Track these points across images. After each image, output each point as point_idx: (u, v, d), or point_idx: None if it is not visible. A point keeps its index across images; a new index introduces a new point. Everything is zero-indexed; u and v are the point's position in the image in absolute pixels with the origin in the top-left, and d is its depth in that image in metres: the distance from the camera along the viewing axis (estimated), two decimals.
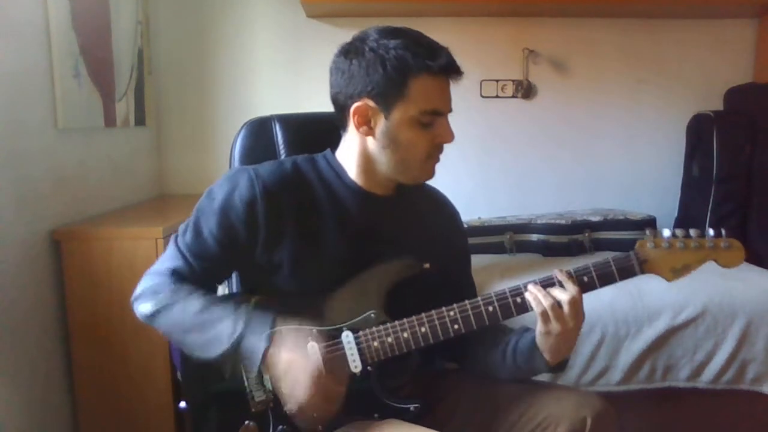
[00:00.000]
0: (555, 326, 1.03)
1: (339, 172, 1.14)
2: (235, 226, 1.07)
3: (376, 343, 1.07)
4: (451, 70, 1.05)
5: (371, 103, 1.05)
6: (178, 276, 1.09)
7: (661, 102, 2.44)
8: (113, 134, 2.07)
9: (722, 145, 2.15)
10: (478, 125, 2.42)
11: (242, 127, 1.42)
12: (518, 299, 1.06)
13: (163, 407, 1.74)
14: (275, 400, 1.07)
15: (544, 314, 1.03)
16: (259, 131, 1.41)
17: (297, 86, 2.39)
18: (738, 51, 2.41)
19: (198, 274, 1.09)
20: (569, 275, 1.05)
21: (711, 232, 1.05)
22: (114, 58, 2.02)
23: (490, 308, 1.07)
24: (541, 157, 2.47)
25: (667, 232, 1.06)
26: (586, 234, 2.05)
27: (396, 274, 1.10)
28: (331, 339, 1.07)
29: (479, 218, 2.15)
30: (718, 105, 2.37)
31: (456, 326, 1.07)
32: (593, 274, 1.06)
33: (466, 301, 1.07)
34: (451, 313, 1.07)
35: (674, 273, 1.06)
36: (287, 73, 2.40)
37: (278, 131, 1.40)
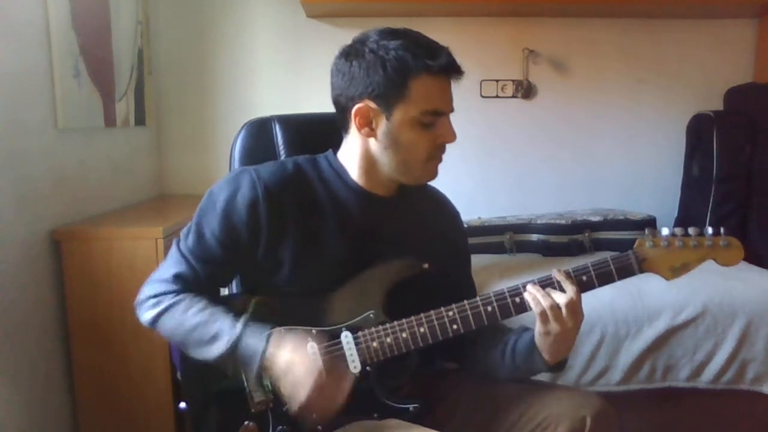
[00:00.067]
0: (554, 326, 1.03)
1: (340, 172, 1.14)
2: (237, 228, 1.07)
3: (375, 344, 1.07)
4: (451, 69, 1.05)
5: (372, 105, 1.05)
6: (181, 281, 1.09)
7: (661, 102, 2.44)
8: (113, 134, 2.07)
9: (722, 145, 2.15)
10: (478, 125, 2.42)
11: (242, 128, 1.42)
12: (517, 299, 1.06)
13: (163, 407, 1.74)
14: (275, 400, 1.07)
15: (543, 314, 1.03)
16: (259, 132, 1.41)
17: (297, 86, 2.39)
18: (738, 51, 2.41)
19: (201, 278, 1.09)
20: (568, 275, 1.05)
21: (710, 230, 1.05)
22: (114, 58, 2.02)
23: (489, 308, 1.07)
24: (541, 157, 2.47)
25: (665, 231, 1.06)
26: (586, 234, 2.05)
27: (396, 274, 1.10)
28: (331, 339, 1.08)
29: (479, 218, 2.15)
30: (718, 105, 2.36)
31: (455, 326, 1.07)
32: (592, 273, 1.06)
33: (465, 302, 1.07)
34: (450, 313, 1.07)
35: (673, 272, 1.06)
36: (287, 73, 2.40)
37: (278, 132, 1.40)
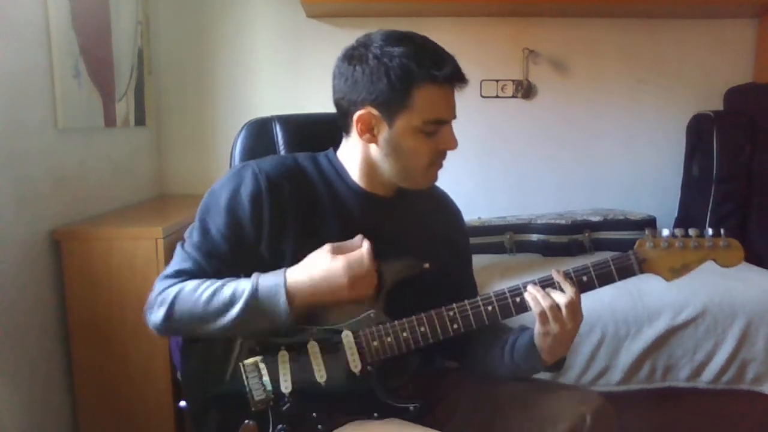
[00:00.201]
0: (553, 327, 1.03)
1: (341, 172, 1.14)
2: (242, 222, 1.07)
3: (375, 343, 1.07)
4: (456, 78, 1.05)
5: (374, 112, 1.05)
6: (185, 275, 1.08)
7: (661, 102, 2.44)
8: (113, 134, 2.07)
9: (722, 145, 2.15)
10: (478, 125, 2.42)
11: (243, 128, 1.42)
12: (517, 299, 1.06)
13: (163, 407, 1.74)
14: (275, 399, 1.07)
15: (543, 315, 1.03)
16: (260, 132, 1.41)
17: (297, 86, 2.39)
18: (738, 51, 2.41)
19: (208, 275, 1.08)
20: (567, 276, 1.05)
21: (710, 231, 1.05)
22: (114, 58, 2.02)
23: (490, 308, 1.07)
24: (541, 157, 2.47)
25: (666, 232, 1.06)
26: (586, 234, 2.05)
27: (396, 274, 1.10)
28: (331, 338, 1.07)
29: (479, 218, 2.15)
30: (718, 105, 2.36)
31: (455, 326, 1.07)
32: (592, 273, 1.06)
33: (466, 301, 1.07)
34: (451, 312, 1.07)
35: (673, 273, 1.06)
36: (287, 73, 2.40)
37: (278, 132, 1.41)
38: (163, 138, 2.44)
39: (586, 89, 2.44)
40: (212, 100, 2.41)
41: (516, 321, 1.13)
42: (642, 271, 1.06)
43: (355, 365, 1.07)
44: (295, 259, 1.08)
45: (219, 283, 1.05)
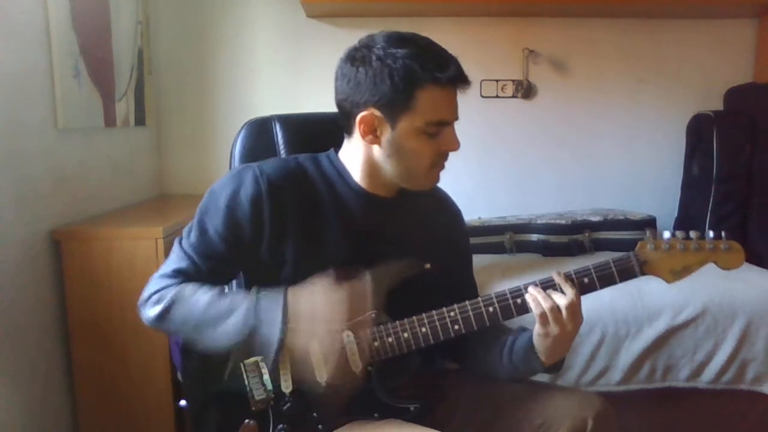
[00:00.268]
0: (553, 328, 1.03)
1: (342, 173, 1.14)
2: (241, 223, 1.07)
3: (376, 343, 1.07)
4: (459, 80, 1.05)
5: (377, 113, 1.05)
6: (182, 276, 1.08)
7: (661, 102, 2.44)
8: (113, 134, 2.07)
9: (722, 145, 2.15)
10: (478, 125, 2.42)
11: (242, 128, 1.42)
12: (518, 300, 1.06)
13: (163, 407, 1.74)
14: (275, 398, 1.07)
15: (543, 316, 1.03)
16: (260, 131, 1.41)
17: (297, 86, 2.39)
18: (738, 51, 2.41)
19: (204, 274, 1.09)
20: (568, 278, 1.05)
21: (711, 234, 1.05)
22: (114, 58, 2.02)
23: (491, 309, 1.07)
24: (541, 157, 2.47)
25: (667, 234, 1.06)
26: (586, 234, 2.05)
27: (397, 274, 1.10)
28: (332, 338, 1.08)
29: (479, 218, 2.15)
30: (718, 105, 2.37)
31: (456, 326, 1.07)
32: (593, 275, 1.06)
33: (467, 302, 1.07)
34: (452, 313, 1.07)
35: (674, 275, 1.06)
36: (287, 73, 2.40)
37: (278, 131, 1.40)
38: (163, 138, 2.44)
39: (586, 89, 2.44)
40: (212, 100, 2.41)
41: (517, 322, 1.13)
42: (643, 273, 1.06)
43: (356, 365, 1.07)
44: (296, 260, 1.09)
45: (218, 292, 1.05)
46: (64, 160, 1.77)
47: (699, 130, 2.26)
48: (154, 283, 1.10)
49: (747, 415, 1.72)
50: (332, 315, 1.01)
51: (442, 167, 1.11)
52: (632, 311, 1.66)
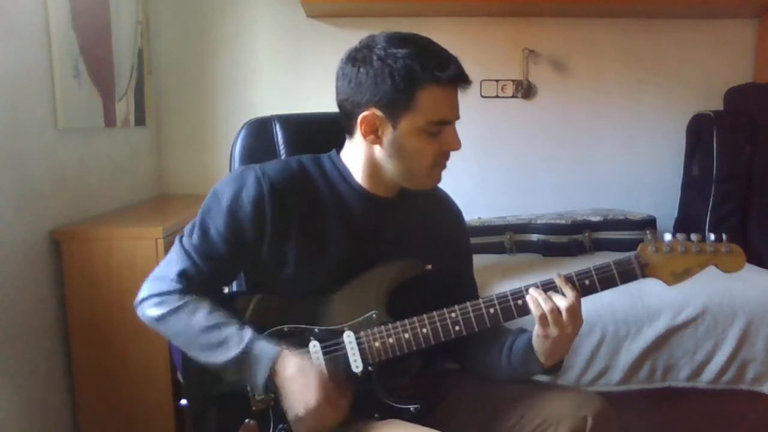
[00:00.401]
0: (553, 330, 1.03)
1: (344, 173, 1.14)
2: (242, 224, 1.07)
3: (377, 344, 1.07)
4: (459, 80, 1.05)
5: (379, 113, 1.05)
6: (185, 278, 1.08)
7: (661, 102, 2.44)
8: (113, 134, 2.07)
9: (722, 145, 2.15)
10: (478, 125, 2.42)
11: (242, 128, 1.42)
12: (519, 302, 1.07)
13: (163, 407, 1.74)
14: (276, 398, 1.07)
15: (543, 318, 1.03)
16: (260, 131, 1.41)
17: (297, 86, 2.39)
18: (738, 51, 2.41)
19: (205, 275, 1.09)
20: (569, 280, 1.06)
21: (712, 236, 1.06)
22: (114, 58, 2.02)
23: (492, 310, 1.07)
24: (541, 157, 2.47)
25: (668, 237, 1.06)
26: (586, 234, 2.05)
27: (398, 274, 1.11)
28: (333, 339, 1.08)
29: (479, 218, 2.15)
30: (718, 105, 2.37)
31: (457, 328, 1.07)
32: (594, 277, 1.06)
33: (468, 303, 1.08)
34: (453, 314, 1.07)
35: (675, 277, 1.07)
36: (287, 73, 2.40)
37: (278, 131, 1.40)
38: (163, 138, 2.44)
39: (586, 89, 2.44)
40: (212, 100, 2.41)
41: (517, 323, 1.13)
42: (644, 276, 1.07)
43: (357, 366, 1.07)
44: (297, 260, 1.09)
45: (214, 318, 1.06)
46: (64, 160, 1.77)
47: (699, 130, 2.26)
48: (155, 284, 1.10)
49: (747, 415, 1.72)
50: (306, 398, 1.00)
51: (444, 167, 1.11)
52: (632, 311, 1.66)
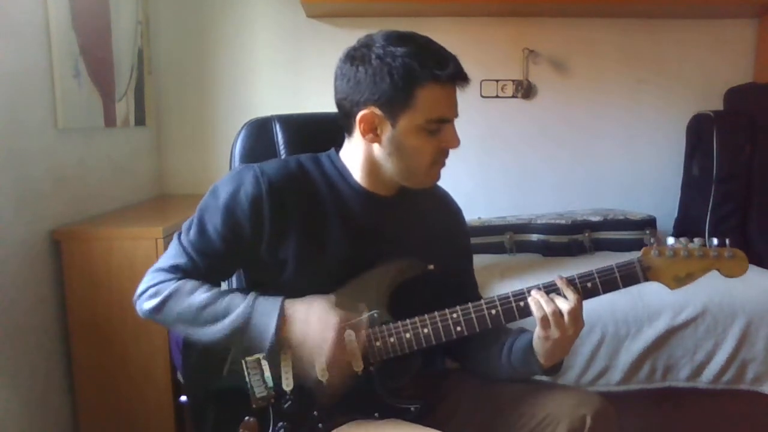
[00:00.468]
0: (554, 332, 1.03)
1: (343, 172, 1.14)
2: (240, 223, 1.07)
3: (378, 343, 1.07)
4: (458, 78, 1.05)
5: (377, 112, 1.05)
6: (180, 272, 1.09)
7: (661, 102, 2.44)
8: (113, 134, 2.07)
9: (722, 145, 2.15)
10: (478, 125, 2.42)
11: (242, 128, 1.42)
12: (521, 303, 1.07)
13: (163, 407, 1.74)
14: (276, 396, 1.07)
15: (544, 320, 1.03)
16: (260, 131, 1.41)
17: (297, 86, 2.39)
18: (738, 51, 2.41)
19: (201, 271, 1.09)
20: (570, 283, 1.06)
21: (715, 240, 1.06)
22: (114, 58, 2.02)
23: (493, 311, 1.07)
24: (541, 157, 2.47)
25: (671, 240, 1.06)
26: (586, 234, 2.06)
27: (399, 274, 1.11)
28: None
29: (479, 218, 2.15)
30: (718, 105, 2.37)
31: (458, 328, 1.07)
32: (597, 280, 1.06)
33: (470, 304, 1.08)
34: (455, 315, 1.07)
35: (677, 281, 1.07)
36: (287, 73, 2.40)
37: (278, 131, 1.40)
38: (163, 138, 2.44)
39: (586, 89, 2.44)
40: (212, 100, 2.41)
41: (518, 325, 1.13)
42: (647, 279, 1.07)
43: (357, 365, 1.07)
44: (297, 259, 1.09)
45: (216, 292, 1.06)
46: (64, 160, 1.77)
47: (699, 130, 2.26)
48: (150, 277, 1.10)
49: (747, 415, 1.72)
50: (324, 331, 1.02)
51: (443, 165, 1.11)
52: (632, 311, 1.66)
